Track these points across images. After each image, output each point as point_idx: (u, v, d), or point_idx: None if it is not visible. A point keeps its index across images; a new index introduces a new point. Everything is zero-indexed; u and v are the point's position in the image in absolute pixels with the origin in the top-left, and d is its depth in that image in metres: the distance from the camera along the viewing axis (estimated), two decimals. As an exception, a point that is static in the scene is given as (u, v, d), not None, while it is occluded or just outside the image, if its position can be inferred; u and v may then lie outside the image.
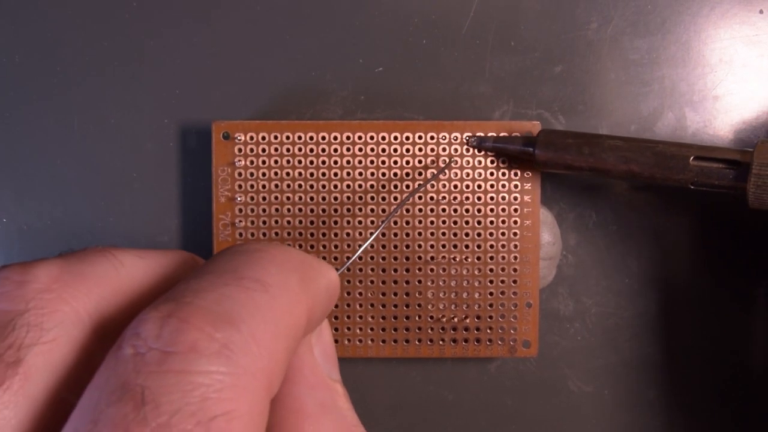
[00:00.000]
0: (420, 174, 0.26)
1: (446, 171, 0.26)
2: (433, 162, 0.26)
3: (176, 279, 0.15)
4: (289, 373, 0.14)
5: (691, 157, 0.23)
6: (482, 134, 0.26)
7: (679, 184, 0.23)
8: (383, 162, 0.26)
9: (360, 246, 0.25)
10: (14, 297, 0.13)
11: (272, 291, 0.13)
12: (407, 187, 0.26)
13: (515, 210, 0.26)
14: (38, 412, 0.12)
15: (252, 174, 0.26)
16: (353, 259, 0.21)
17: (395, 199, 0.26)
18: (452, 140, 0.26)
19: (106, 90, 0.27)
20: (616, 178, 0.24)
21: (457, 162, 0.26)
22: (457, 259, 0.26)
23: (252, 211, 0.26)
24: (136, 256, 0.15)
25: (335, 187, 0.26)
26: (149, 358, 0.11)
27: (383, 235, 0.26)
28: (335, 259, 0.26)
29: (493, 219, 0.26)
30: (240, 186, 0.26)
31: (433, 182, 0.26)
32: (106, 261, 0.14)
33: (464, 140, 0.26)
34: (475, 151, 0.26)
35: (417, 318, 0.26)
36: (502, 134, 0.26)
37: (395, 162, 0.26)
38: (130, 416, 0.11)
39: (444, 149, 0.26)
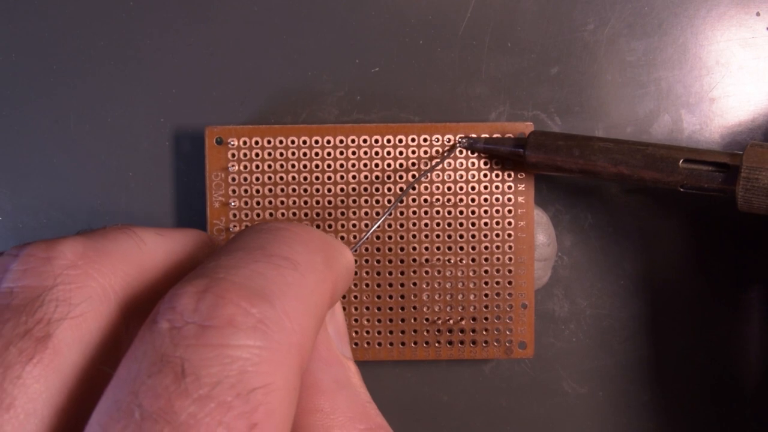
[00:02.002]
0: (414, 177, 0.26)
1: (449, 159, 0.26)
2: (426, 164, 0.26)
3: (194, 257, 0.15)
4: None
5: (681, 160, 0.23)
6: (474, 135, 0.26)
7: (669, 187, 0.23)
8: (377, 165, 0.26)
9: (376, 221, 0.25)
10: (41, 273, 0.13)
11: (301, 269, 0.13)
12: (401, 190, 0.26)
13: (509, 211, 0.26)
14: (69, 385, 0.12)
15: (246, 179, 0.26)
16: (365, 237, 0.21)
17: (389, 202, 0.26)
18: (445, 142, 0.26)
19: (102, 89, 0.27)
20: (607, 180, 0.24)
21: (449, 153, 0.26)
22: (452, 261, 0.26)
23: (246, 216, 0.26)
24: (156, 233, 0.15)
25: (329, 190, 0.26)
26: (186, 331, 0.11)
27: (377, 237, 0.26)
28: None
29: (487, 220, 0.26)
30: (234, 191, 0.26)
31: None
32: (128, 238, 0.15)
33: (457, 141, 0.26)
34: (468, 152, 0.26)
35: (412, 320, 0.26)
36: (494, 135, 0.26)
37: (389, 165, 0.26)
38: (171, 388, 0.11)
39: (437, 151, 0.26)
